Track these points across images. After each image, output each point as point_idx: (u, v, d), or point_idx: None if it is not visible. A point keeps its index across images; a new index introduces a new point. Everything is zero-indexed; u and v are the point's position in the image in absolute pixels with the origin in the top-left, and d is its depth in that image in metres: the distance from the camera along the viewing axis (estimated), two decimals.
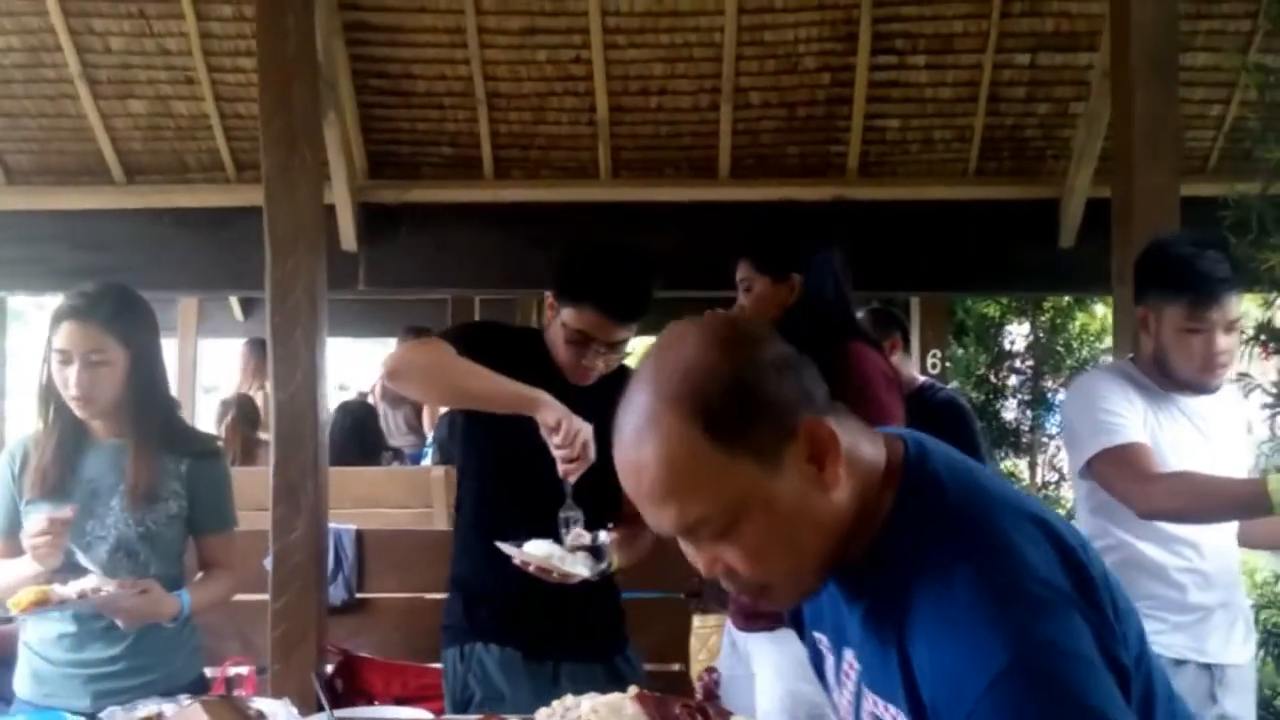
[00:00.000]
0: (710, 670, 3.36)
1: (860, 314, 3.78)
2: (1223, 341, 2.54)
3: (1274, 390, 3.13)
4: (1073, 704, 1.03)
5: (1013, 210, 5.13)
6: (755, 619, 2.76)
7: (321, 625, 3.64)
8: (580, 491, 2.32)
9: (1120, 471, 2.52)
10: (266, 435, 5.00)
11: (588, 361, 2.43)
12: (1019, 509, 1.19)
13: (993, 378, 7.57)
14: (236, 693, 3.51)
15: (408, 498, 5.04)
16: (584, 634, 2.51)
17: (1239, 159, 4.61)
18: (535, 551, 2.27)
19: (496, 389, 2.30)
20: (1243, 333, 2.84)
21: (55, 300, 2.56)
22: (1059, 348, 7.42)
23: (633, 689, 1.99)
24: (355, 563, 4.08)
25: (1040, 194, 5.12)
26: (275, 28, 3.59)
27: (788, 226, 2.69)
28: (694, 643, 3.60)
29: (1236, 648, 2.66)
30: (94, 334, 2.41)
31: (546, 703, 2.01)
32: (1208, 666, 2.59)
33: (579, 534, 2.30)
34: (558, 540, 2.32)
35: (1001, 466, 7.31)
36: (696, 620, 3.61)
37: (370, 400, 7.57)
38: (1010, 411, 7.67)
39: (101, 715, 2.21)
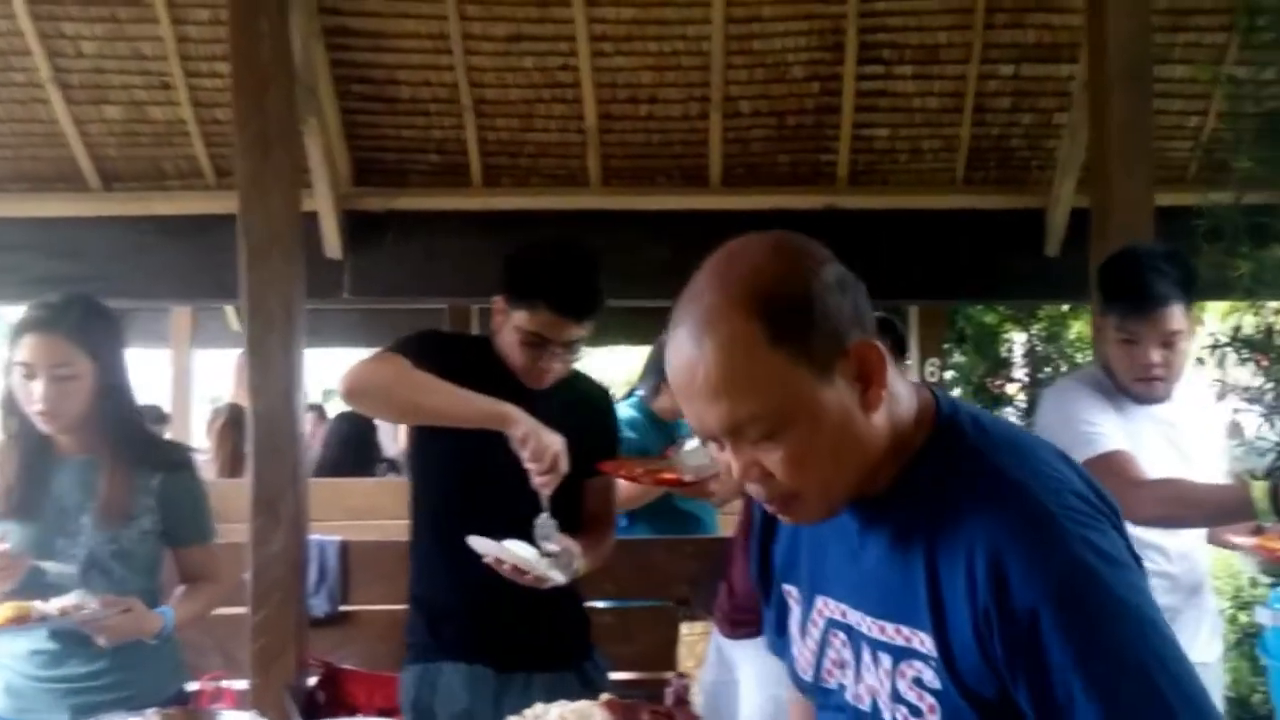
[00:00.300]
0: (681, 676, 3.35)
1: None
2: (1156, 355, 2.53)
3: (1247, 395, 3.14)
4: (1120, 604, 1.12)
5: (1000, 219, 5.14)
6: (740, 626, 2.76)
7: (302, 638, 3.61)
8: (552, 501, 2.29)
9: (1107, 480, 2.49)
10: None
11: (544, 364, 2.38)
12: (1048, 445, 1.29)
13: (991, 386, 7.58)
14: (216, 706, 3.46)
15: (401, 509, 4.98)
16: (554, 642, 2.47)
17: (1216, 169, 4.63)
18: (517, 551, 2.23)
19: (462, 405, 2.26)
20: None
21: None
22: (1055, 355, 7.44)
23: (604, 695, 1.99)
24: (339, 574, 4.03)
25: (1026, 203, 5.14)
26: (248, 31, 3.55)
27: None
28: (681, 650, 3.58)
29: (1203, 646, 2.69)
30: (60, 346, 2.33)
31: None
32: None
33: (552, 542, 2.27)
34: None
35: None
36: (684, 628, 3.58)
37: None
38: (1009, 419, 7.68)
39: None
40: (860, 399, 1.20)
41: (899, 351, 4.51)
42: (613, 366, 12.54)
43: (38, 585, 2.31)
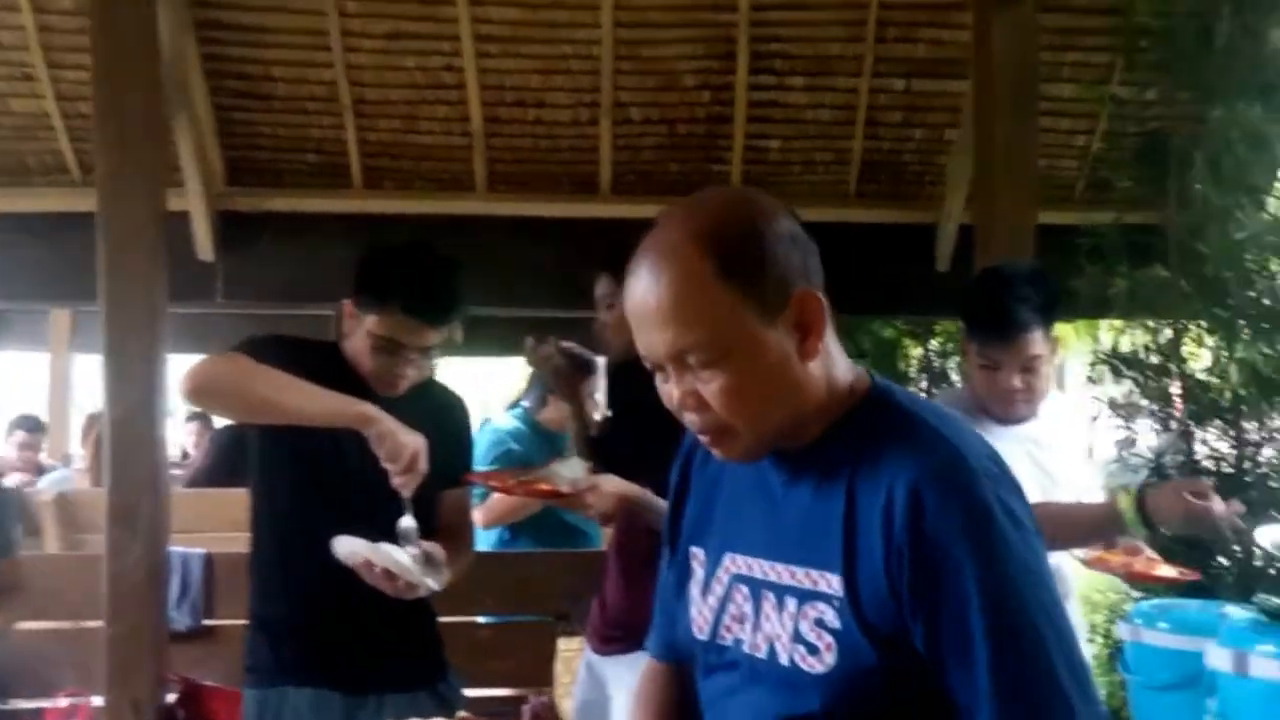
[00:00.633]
0: (540, 693, 3.27)
1: None
2: (1017, 380, 2.52)
3: (1123, 411, 3.18)
4: (1022, 562, 1.23)
5: (892, 233, 5.18)
6: (611, 642, 2.69)
7: (161, 653, 3.52)
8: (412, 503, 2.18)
9: None
10: None
11: (399, 370, 2.29)
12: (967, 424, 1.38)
13: None
14: None
15: None
16: (406, 661, 2.36)
17: (1101, 188, 4.71)
18: (392, 554, 2.11)
19: (318, 402, 2.15)
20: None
21: None
22: (952, 370, 7.53)
23: (459, 714, 1.95)
24: (203, 587, 3.91)
25: (918, 218, 5.18)
26: (110, 22, 3.45)
27: None
28: (559, 666, 3.50)
29: None
30: None
31: None
32: None
33: (414, 547, 2.15)
34: None
35: None
36: (561, 643, 3.51)
37: None
38: None
39: None
40: (799, 347, 1.28)
41: None
42: (497, 378, 12.47)
43: None
